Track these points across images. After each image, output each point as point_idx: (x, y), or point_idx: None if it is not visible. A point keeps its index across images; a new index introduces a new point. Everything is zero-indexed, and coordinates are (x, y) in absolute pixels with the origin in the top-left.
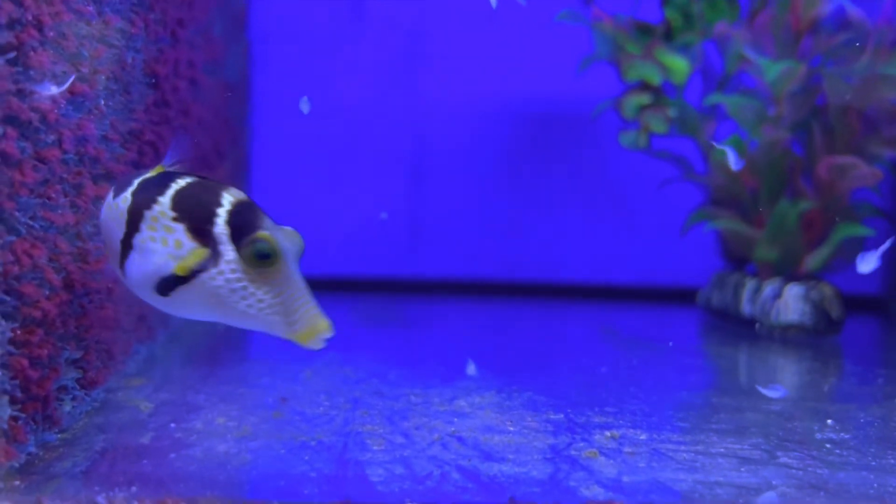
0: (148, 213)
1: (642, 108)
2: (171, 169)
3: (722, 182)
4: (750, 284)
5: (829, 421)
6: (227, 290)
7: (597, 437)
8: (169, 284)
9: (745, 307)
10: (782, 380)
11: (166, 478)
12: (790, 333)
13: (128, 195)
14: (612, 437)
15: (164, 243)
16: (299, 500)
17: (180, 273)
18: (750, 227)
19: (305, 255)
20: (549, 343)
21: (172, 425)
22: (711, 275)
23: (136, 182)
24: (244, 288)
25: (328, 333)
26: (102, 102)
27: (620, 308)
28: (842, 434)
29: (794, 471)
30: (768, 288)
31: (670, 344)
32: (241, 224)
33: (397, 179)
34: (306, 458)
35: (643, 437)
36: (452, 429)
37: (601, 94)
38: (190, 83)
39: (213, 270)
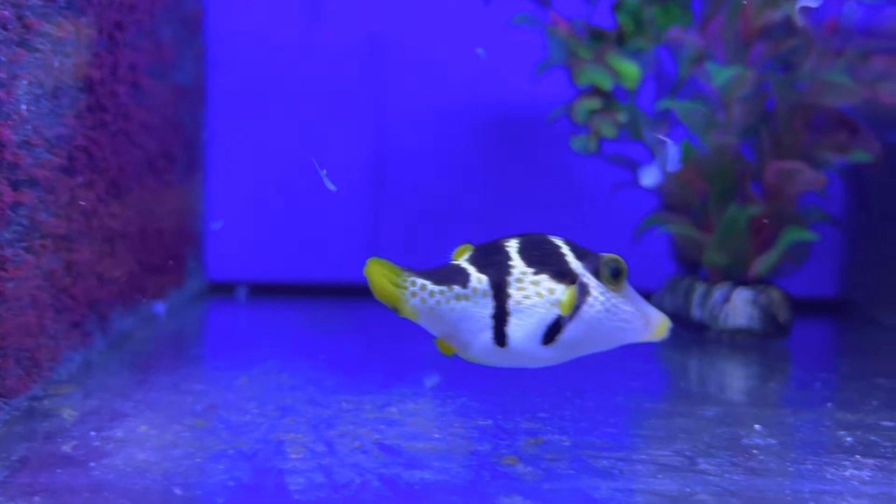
0: (510, 279)
1: (593, 113)
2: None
3: (673, 187)
4: (700, 289)
5: (757, 426)
6: (605, 313)
7: (521, 443)
8: (555, 329)
9: (696, 311)
10: (727, 384)
11: (81, 488)
12: (739, 337)
13: (476, 276)
14: (536, 444)
15: (540, 296)
16: None
17: (566, 312)
18: (700, 231)
19: (266, 260)
20: None
21: (93, 434)
22: (665, 279)
23: (465, 265)
24: (615, 306)
25: (670, 324)
26: (24, 108)
27: None
28: (768, 440)
29: (711, 477)
30: (717, 292)
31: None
32: (583, 255)
33: (357, 183)
34: (222, 467)
35: (567, 443)
36: (377, 436)
37: (561, 98)
38: (132, 87)
39: (590, 299)
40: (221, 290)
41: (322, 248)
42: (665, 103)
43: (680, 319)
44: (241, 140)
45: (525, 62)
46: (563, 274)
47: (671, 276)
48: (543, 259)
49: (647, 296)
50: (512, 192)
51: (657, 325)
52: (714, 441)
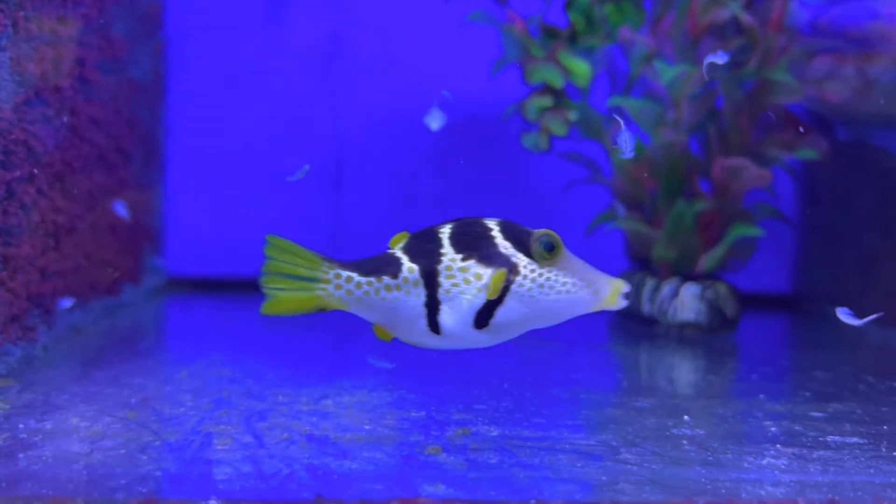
0: (440, 267)
1: (544, 111)
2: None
3: (624, 184)
4: (650, 284)
5: (686, 417)
6: (538, 289)
7: (449, 434)
8: (485, 313)
9: (645, 306)
10: (667, 377)
11: (4, 478)
12: (686, 332)
13: (407, 266)
14: (464, 434)
15: (468, 282)
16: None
17: (492, 296)
18: (650, 227)
19: (227, 257)
20: None
21: (22, 426)
22: (619, 274)
23: (399, 255)
24: (549, 280)
25: (626, 287)
26: None
27: None
28: (696, 430)
29: (632, 466)
30: (666, 287)
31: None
32: (514, 235)
33: (318, 179)
34: (148, 457)
35: (495, 433)
36: (307, 428)
37: (519, 96)
38: (79, 82)
39: (518, 279)
40: (182, 285)
41: None
42: (616, 101)
43: (631, 314)
44: (202, 136)
45: (485, 60)
46: (489, 257)
47: (623, 272)
48: (472, 244)
49: None
50: (470, 190)
51: (608, 293)
52: (641, 431)
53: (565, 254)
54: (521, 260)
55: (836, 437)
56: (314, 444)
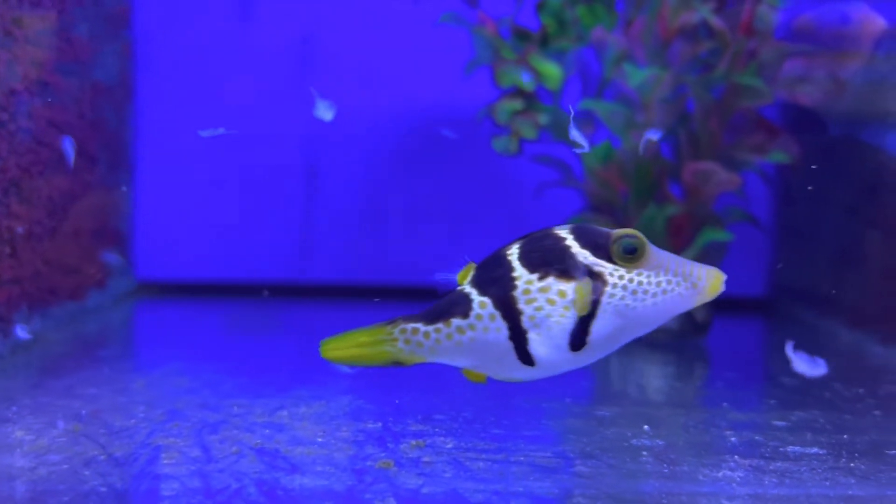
0: (516, 294)
1: (514, 114)
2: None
3: (595, 187)
4: None
5: (646, 427)
6: (631, 296)
7: (403, 446)
8: (579, 332)
9: None
10: (633, 384)
11: None
12: (657, 337)
13: (477, 300)
14: (418, 447)
15: (552, 303)
16: None
17: (583, 312)
18: None
19: (197, 261)
20: None
21: None
22: None
23: (468, 290)
24: (640, 284)
25: (723, 275)
26: None
27: None
28: (655, 440)
29: (588, 480)
30: None
31: None
32: (591, 241)
33: (289, 182)
34: (90, 472)
35: (450, 445)
36: (258, 441)
37: (492, 98)
38: (36, 85)
39: (607, 289)
40: (151, 289)
41: (254, 248)
42: (586, 104)
43: None
44: (171, 138)
45: (458, 62)
46: (568, 270)
47: None
48: (546, 259)
49: None
50: (444, 192)
51: (708, 284)
52: (597, 442)
53: (651, 251)
54: (605, 267)
55: (796, 448)
56: (265, 458)
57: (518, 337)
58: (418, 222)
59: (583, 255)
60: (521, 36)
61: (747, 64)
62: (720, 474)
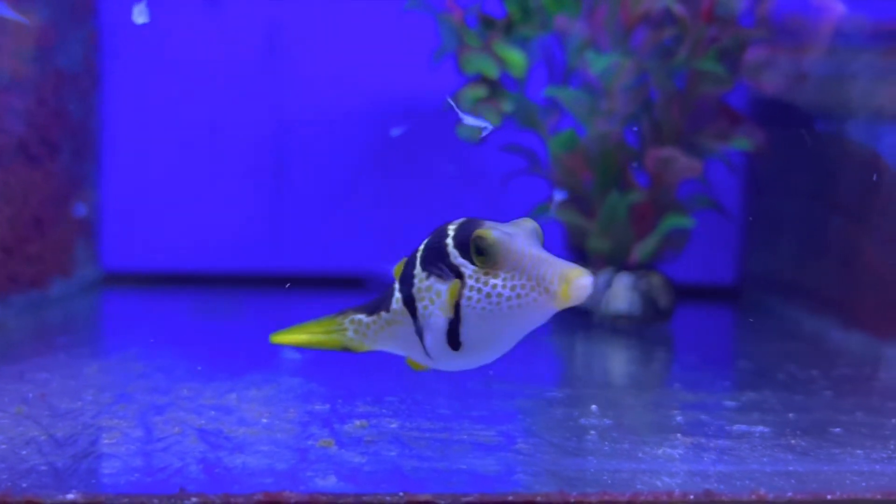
0: (414, 292)
1: (478, 101)
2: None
3: (560, 175)
4: None
5: (593, 407)
6: (486, 300)
7: (347, 427)
8: (453, 335)
9: None
10: (591, 367)
11: None
12: (620, 322)
13: (395, 296)
14: (361, 427)
15: (432, 302)
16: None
17: (448, 314)
18: (585, 218)
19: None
20: None
21: None
22: None
23: (395, 286)
24: (494, 287)
25: (585, 276)
26: None
27: None
28: (603, 420)
29: (527, 457)
30: (600, 278)
31: None
32: (462, 240)
33: (258, 173)
34: (28, 452)
35: (394, 425)
36: (202, 423)
37: (459, 86)
38: None
39: (465, 291)
40: (119, 280)
41: (222, 238)
42: (552, 91)
43: None
44: (138, 127)
45: (426, 51)
46: (443, 270)
47: None
48: (431, 258)
49: None
50: (412, 182)
51: (560, 289)
52: (542, 422)
53: (508, 252)
54: (467, 269)
55: (742, 427)
56: (208, 438)
57: (419, 332)
58: (387, 213)
59: (454, 254)
60: (487, 23)
61: (707, 50)
62: (660, 451)
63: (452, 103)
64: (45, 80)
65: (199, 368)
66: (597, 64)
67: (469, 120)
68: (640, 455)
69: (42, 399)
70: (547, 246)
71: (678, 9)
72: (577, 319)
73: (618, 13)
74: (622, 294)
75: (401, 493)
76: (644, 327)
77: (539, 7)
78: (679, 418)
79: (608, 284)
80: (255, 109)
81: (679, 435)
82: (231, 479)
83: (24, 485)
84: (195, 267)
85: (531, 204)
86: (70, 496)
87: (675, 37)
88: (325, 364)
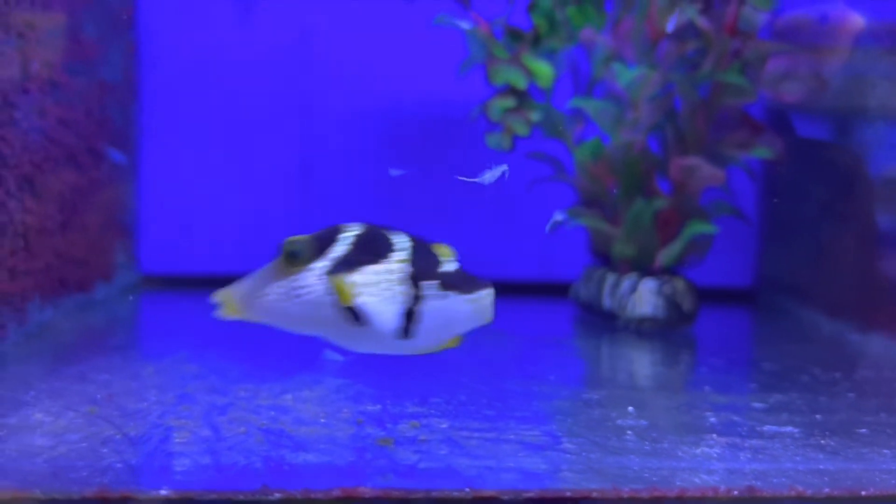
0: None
1: (507, 112)
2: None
3: (585, 182)
4: (610, 279)
5: (630, 408)
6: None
7: (401, 426)
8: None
9: (606, 301)
10: (621, 370)
11: None
12: (645, 326)
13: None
14: (414, 427)
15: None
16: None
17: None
18: (610, 225)
19: (200, 254)
20: None
21: None
22: (582, 269)
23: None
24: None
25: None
26: None
27: (498, 303)
28: (639, 421)
29: (572, 455)
30: (626, 283)
31: None
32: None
33: (286, 178)
34: (108, 450)
35: (444, 425)
36: (264, 422)
37: (484, 97)
38: (47, 84)
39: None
40: (155, 282)
41: (253, 241)
42: (577, 102)
43: (593, 309)
44: (174, 134)
45: (451, 61)
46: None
47: (586, 267)
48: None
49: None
50: (436, 187)
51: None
52: (583, 422)
53: (298, 259)
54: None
55: (772, 427)
56: (271, 437)
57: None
58: (412, 217)
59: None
60: (514, 36)
61: (732, 63)
62: (699, 451)
63: (482, 179)
64: (90, 91)
65: (250, 370)
66: (624, 76)
67: (489, 177)
68: (679, 454)
69: (110, 400)
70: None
71: (702, 22)
72: (603, 323)
73: (643, 26)
74: (647, 298)
75: (467, 490)
76: (668, 330)
77: (565, 20)
78: (712, 419)
79: (633, 289)
80: (286, 116)
81: (714, 435)
82: (295, 476)
83: (105, 481)
84: (227, 269)
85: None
86: (163, 492)
87: (699, 49)
88: (367, 366)
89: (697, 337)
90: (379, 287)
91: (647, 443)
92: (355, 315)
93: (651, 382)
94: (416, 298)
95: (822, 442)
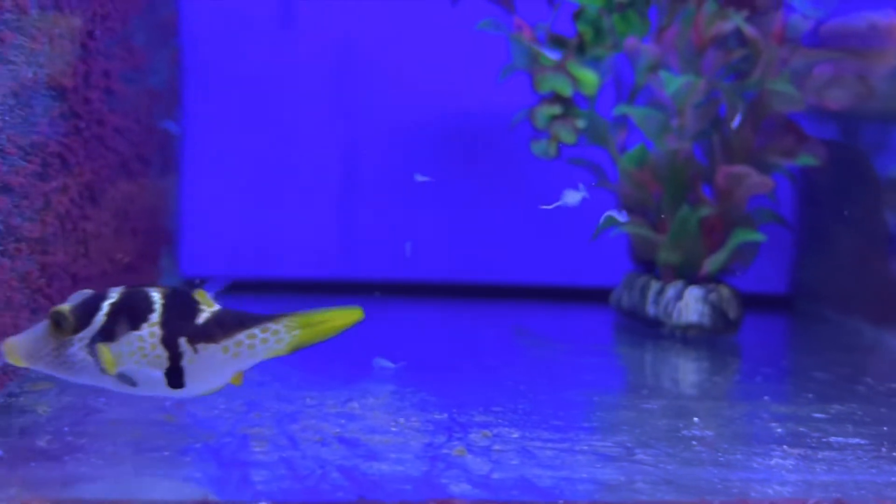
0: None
1: (553, 119)
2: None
3: (629, 189)
4: (654, 286)
5: (695, 419)
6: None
7: (472, 435)
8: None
9: (650, 308)
10: (674, 378)
11: (55, 480)
12: (690, 333)
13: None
14: (485, 436)
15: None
16: (177, 500)
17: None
18: (654, 232)
19: (238, 258)
20: (459, 344)
21: (67, 429)
22: (623, 276)
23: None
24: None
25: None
26: None
27: (536, 308)
28: (705, 431)
29: (647, 467)
30: (671, 290)
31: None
32: None
33: (329, 184)
34: (189, 460)
35: (515, 435)
36: (337, 430)
37: (524, 104)
38: (105, 93)
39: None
40: (195, 287)
41: (293, 246)
42: (622, 109)
43: (637, 315)
44: (215, 141)
45: (493, 69)
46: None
47: (628, 274)
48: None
49: (607, 291)
50: (478, 194)
51: None
52: (652, 432)
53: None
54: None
55: (839, 438)
56: (345, 445)
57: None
58: (452, 224)
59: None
60: (558, 43)
61: (779, 71)
62: (772, 462)
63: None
64: (140, 99)
65: (310, 377)
66: (672, 84)
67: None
68: (753, 465)
69: (180, 408)
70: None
71: (749, 30)
72: (647, 329)
73: (689, 35)
74: (693, 306)
75: (560, 502)
76: (714, 338)
77: (610, 27)
78: (779, 430)
79: (679, 296)
80: (327, 123)
81: (785, 446)
82: (370, 486)
83: (187, 491)
84: (268, 274)
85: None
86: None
87: (744, 57)
88: (422, 374)
89: (741, 345)
90: (137, 354)
91: (719, 454)
92: (125, 377)
93: (707, 392)
94: (178, 356)
95: (895, 454)
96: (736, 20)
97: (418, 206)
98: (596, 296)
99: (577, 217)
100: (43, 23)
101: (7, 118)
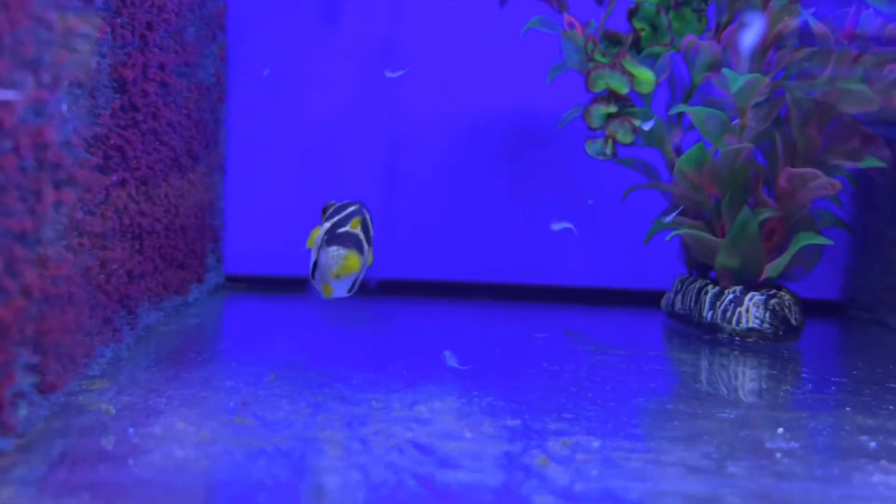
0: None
1: (608, 118)
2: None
3: (685, 191)
4: (711, 291)
5: (779, 429)
6: None
7: (551, 443)
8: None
9: (707, 313)
10: (742, 386)
11: (122, 485)
12: (750, 339)
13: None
14: (566, 445)
15: None
16: None
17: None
18: (712, 235)
19: (280, 255)
20: (514, 347)
21: (131, 430)
22: (675, 279)
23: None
24: None
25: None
26: (65, 108)
27: (587, 312)
28: (792, 443)
29: (740, 480)
30: (729, 294)
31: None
32: None
33: (371, 183)
34: (262, 464)
35: (596, 444)
36: (410, 435)
37: (571, 104)
38: (160, 86)
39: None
40: (236, 283)
41: None
42: (679, 108)
43: (692, 320)
44: (258, 137)
45: (538, 68)
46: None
47: (680, 277)
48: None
49: (658, 295)
50: (524, 195)
51: None
52: (738, 444)
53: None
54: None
55: None
56: (421, 452)
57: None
58: (496, 224)
59: None
60: (612, 40)
61: (852, 70)
62: (874, 479)
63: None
64: (190, 94)
65: (372, 378)
66: (736, 82)
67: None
68: (854, 482)
69: (245, 408)
70: (667, 254)
71: (819, 27)
72: (703, 334)
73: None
74: (754, 311)
75: None
76: (775, 344)
77: (668, 25)
78: (872, 443)
79: (738, 301)
80: (370, 122)
81: (884, 461)
82: (450, 496)
83: (260, 499)
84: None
85: (643, 218)
86: None
87: (812, 55)
88: (483, 376)
89: (802, 352)
90: None
91: (815, 467)
92: None
93: (782, 401)
94: None
95: None
96: (805, 16)
97: (461, 205)
98: (642, 299)
99: (630, 220)
100: (105, 11)
101: (73, 109)
